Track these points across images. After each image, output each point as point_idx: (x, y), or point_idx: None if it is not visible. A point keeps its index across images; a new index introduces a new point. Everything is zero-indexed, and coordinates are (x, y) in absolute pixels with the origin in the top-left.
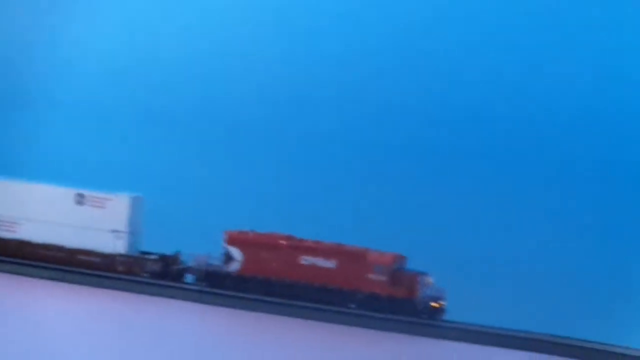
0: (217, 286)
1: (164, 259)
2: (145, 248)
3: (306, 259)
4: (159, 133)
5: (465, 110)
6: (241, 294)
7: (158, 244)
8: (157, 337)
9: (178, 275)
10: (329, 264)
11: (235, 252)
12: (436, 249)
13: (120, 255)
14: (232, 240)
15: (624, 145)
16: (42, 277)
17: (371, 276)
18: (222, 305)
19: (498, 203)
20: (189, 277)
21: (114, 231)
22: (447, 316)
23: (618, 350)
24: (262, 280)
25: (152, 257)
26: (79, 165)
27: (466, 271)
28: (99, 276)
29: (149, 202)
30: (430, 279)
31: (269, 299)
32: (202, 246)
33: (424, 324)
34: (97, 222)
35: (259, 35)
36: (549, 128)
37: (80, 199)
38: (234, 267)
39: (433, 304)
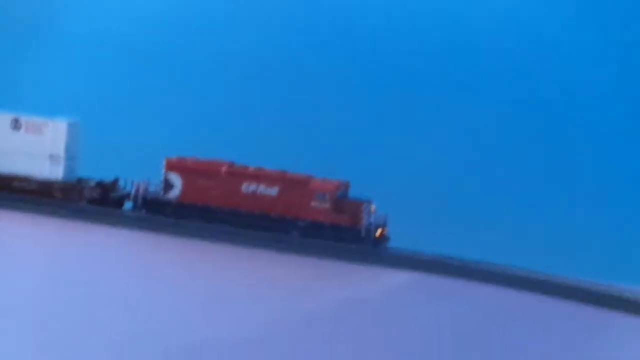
0: (156, 213)
1: (103, 186)
2: (84, 175)
3: (247, 186)
4: (100, 55)
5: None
6: (180, 221)
7: (97, 171)
8: (94, 264)
9: (117, 203)
10: (271, 191)
11: (175, 179)
12: (380, 176)
13: (58, 181)
14: (172, 167)
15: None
16: None
17: (314, 204)
18: (160, 232)
19: (443, 130)
20: (128, 204)
21: (51, 157)
22: (390, 243)
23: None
24: (203, 208)
25: (91, 183)
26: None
27: (410, 198)
28: (36, 203)
29: (88, 128)
30: (374, 206)
31: (208, 226)
32: (142, 173)
33: (368, 252)
34: (34, 147)
35: None
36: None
37: (15, 124)
38: (173, 194)
39: (377, 231)
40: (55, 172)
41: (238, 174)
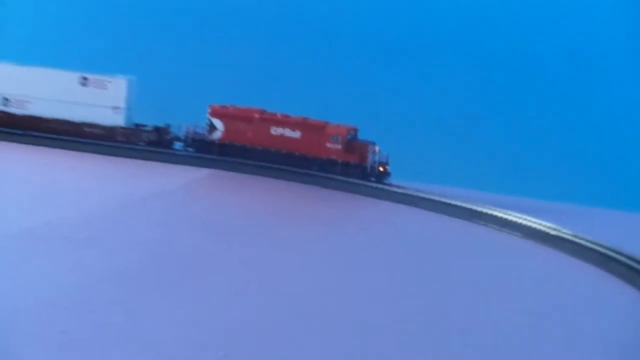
0: (202, 151)
1: (158, 130)
2: (140, 121)
3: (276, 130)
4: (148, 19)
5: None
6: (222, 158)
7: (152, 118)
8: (152, 194)
9: (170, 143)
10: (295, 134)
11: (218, 123)
12: (385, 121)
13: (120, 127)
14: (215, 113)
15: None
16: (53, 147)
17: (329, 145)
18: (206, 167)
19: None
20: (179, 145)
21: (113, 107)
22: (391, 179)
23: None
24: (240, 147)
25: (147, 128)
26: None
27: (409, 140)
28: (103, 145)
29: (143, 82)
30: (377, 147)
31: (245, 162)
32: (191, 118)
33: (372, 186)
34: (99, 100)
35: None
36: None
37: (84, 81)
38: (216, 135)
39: (380, 168)
40: (117, 119)
41: (268, 120)
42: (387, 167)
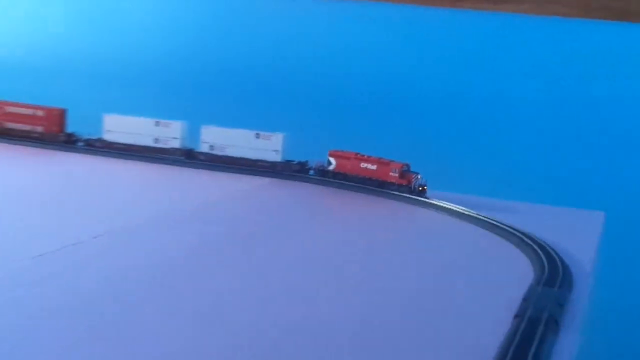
0: (323, 176)
1: (300, 163)
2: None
3: (363, 165)
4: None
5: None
6: (334, 180)
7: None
8: (292, 207)
9: (307, 171)
10: (373, 167)
11: (332, 160)
12: (428, 159)
13: (278, 162)
14: (331, 154)
15: None
16: (234, 173)
17: (391, 174)
18: (325, 185)
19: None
20: (311, 172)
21: (275, 150)
22: (428, 195)
23: None
24: (344, 174)
25: (294, 162)
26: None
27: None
28: (268, 172)
29: (291, 137)
30: (420, 175)
31: (346, 182)
32: (317, 156)
33: (415, 198)
34: (266, 146)
35: None
36: None
37: (257, 136)
38: (331, 167)
39: (420, 188)
40: (277, 157)
41: (359, 159)
42: (425, 187)
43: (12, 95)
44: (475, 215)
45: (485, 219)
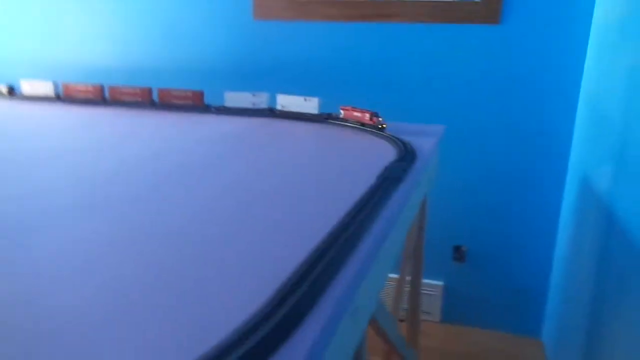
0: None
1: (329, 114)
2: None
3: (355, 114)
4: None
5: None
6: (340, 122)
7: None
8: (267, 137)
9: (331, 118)
10: (358, 115)
11: (342, 111)
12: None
13: (315, 114)
14: (341, 109)
15: None
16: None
17: (366, 118)
18: (330, 125)
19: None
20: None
21: (314, 107)
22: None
23: None
24: (346, 119)
25: (324, 114)
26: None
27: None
28: (305, 119)
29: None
30: (382, 118)
31: (343, 122)
32: (332, 109)
33: (375, 132)
34: (308, 106)
35: None
36: None
37: (305, 100)
38: (341, 115)
39: (380, 126)
40: (315, 112)
41: (353, 110)
42: (385, 125)
43: None
44: (368, 129)
45: (372, 130)
